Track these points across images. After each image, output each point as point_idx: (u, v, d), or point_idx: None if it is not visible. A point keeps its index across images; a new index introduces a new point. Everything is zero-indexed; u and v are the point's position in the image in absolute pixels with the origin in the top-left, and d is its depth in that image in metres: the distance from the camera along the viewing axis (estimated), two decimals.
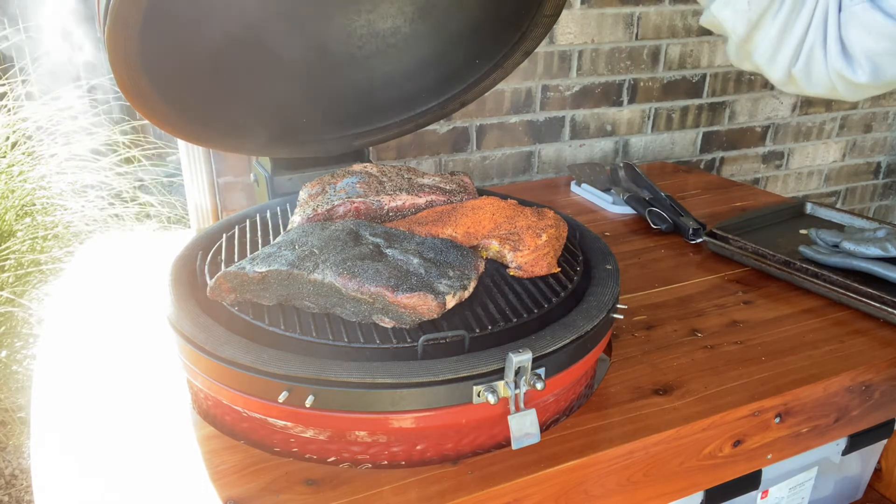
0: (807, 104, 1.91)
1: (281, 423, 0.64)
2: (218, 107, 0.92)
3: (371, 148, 1.18)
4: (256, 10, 0.92)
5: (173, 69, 0.81)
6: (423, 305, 0.65)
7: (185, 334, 0.66)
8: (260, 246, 0.82)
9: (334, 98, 1.05)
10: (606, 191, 1.36)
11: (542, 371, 0.62)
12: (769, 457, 0.77)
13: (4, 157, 1.95)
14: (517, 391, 0.61)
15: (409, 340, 0.65)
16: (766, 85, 1.82)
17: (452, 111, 1.08)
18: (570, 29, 1.52)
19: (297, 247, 0.71)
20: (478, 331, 0.66)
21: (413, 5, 1.03)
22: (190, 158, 1.23)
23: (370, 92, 1.07)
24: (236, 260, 0.78)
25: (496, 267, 0.79)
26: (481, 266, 0.74)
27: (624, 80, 1.63)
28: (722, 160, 1.86)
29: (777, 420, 0.75)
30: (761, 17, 0.66)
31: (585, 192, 1.40)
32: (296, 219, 0.84)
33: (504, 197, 0.88)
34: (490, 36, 1.03)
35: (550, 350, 0.63)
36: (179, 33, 0.82)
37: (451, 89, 1.06)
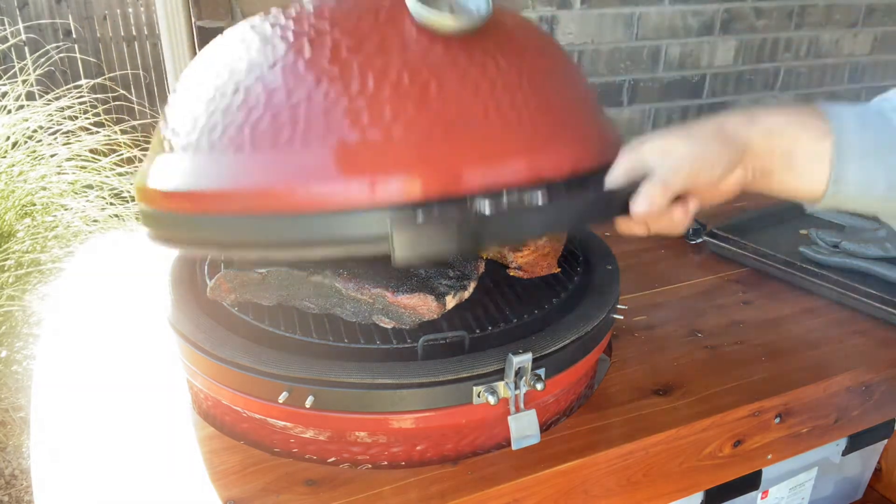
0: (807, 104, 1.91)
1: (281, 423, 0.64)
2: None
3: None
4: None
5: None
6: (423, 306, 0.65)
7: (185, 335, 0.66)
8: None
9: None
10: None
11: (542, 371, 0.62)
12: (769, 457, 0.77)
13: (4, 157, 1.95)
14: (517, 392, 0.61)
15: (409, 341, 0.65)
16: (766, 85, 1.82)
17: None
18: (570, 29, 1.52)
19: None
20: (478, 331, 0.66)
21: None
22: None
23: None
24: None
25: (496, 267, 0.79)
26: (481, 266, 0.74)
27: (624, 81, 1.63)
28: None
29: (777, 420, 0.74)
30: None
31: None
32: None
33: None
34: None
35: (550, 350, 0.63)
36: None
37: None
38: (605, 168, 0.57)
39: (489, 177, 0.53)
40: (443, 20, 0.56)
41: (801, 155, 0.56)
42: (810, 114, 0.57)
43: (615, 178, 0.56)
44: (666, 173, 0.54)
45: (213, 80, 0.58)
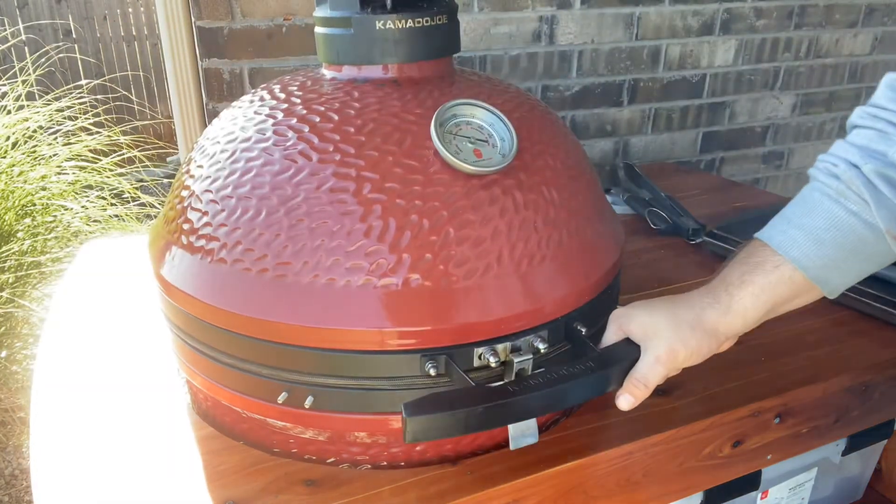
0: (807, 104, 1.91)
1: (280, 423, 0.64)
2: None
3: None
4: None
5: None
6: None
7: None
8: None
9: None
10: (606, 191, 1.36)
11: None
12: (769, 457, 0.76)
13: (4, 157, 1.95)
14: None
15: None
16: (766, 85, 1.82)
17: None
18: (570, 29, 1.52)
19: None
20: None
21: None
22: None
23: None
24: None
25: None
26: None
27: (624, 80, 1.63)
28: (722, 160, 1.86)
29: (777, 420, 0.74)
30: None
31: None
32: None
33: None
34: None
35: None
36: None
37: None
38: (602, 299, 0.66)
39: (495, 330, 0.59)
40: (466, 167, 0.59)
41: (785, 303, 0.60)
42: (766, 266, 0.59)
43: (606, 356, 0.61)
44: (647, 373, 0.59)
45: (234, 182, 0.61)
